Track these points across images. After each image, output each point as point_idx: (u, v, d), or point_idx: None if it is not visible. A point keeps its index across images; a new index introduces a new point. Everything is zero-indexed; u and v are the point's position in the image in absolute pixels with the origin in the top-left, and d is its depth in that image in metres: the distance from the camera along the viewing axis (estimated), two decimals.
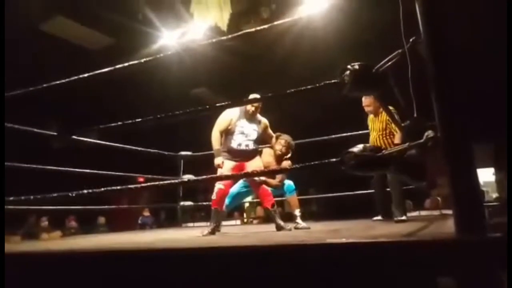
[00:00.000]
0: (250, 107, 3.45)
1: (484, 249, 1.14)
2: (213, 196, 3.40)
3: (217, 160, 3.38)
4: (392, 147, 3.47)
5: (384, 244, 1.30)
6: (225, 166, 3.39)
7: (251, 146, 3.48)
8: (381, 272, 1.22)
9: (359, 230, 2.62)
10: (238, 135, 3.44)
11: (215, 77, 7.79)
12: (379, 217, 3.77)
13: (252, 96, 3.36)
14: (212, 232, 3.28)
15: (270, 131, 3.73)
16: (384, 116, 3.67)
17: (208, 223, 3.45)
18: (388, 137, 3.71)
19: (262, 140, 3.71)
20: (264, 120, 3.62)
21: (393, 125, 3.57)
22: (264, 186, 3.51)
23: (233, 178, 3.67)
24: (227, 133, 3.45)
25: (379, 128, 3.76)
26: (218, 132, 3.44)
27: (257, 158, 3.59)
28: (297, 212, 3.61)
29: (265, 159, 3.74)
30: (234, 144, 3.43)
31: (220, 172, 3.37)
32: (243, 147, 3.44)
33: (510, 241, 1.09)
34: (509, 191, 2.13)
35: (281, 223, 3.35)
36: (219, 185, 3.38)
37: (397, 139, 3.57)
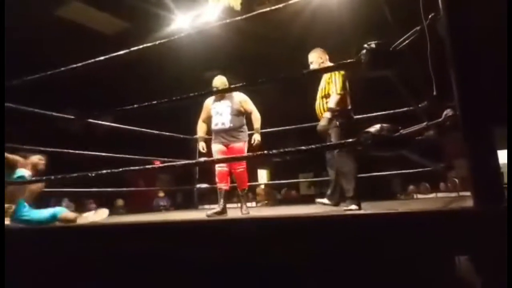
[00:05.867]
0: (215, 88, 3.66)
1: (502, 220, 1.12)
2: (216, 179, 3.67)
3: (198, 146, 3.80)
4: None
5: (402, 215, 1.30)
6: (213, 149, 3.68)
7: (228, 123, 3.62)
8: (397, 244, 1.22)
9: (375, 210, 2.61)
10: (215, 116, 3.68)
11: (229, 60, 7.75)
12: (325, 200, 3.26)
13: (218, 78, 3.69)
14: (222, 211, 3.51)
15: (249, 106, 3.73)
16: (328, 74, 3.17)
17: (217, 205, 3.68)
18: (325, 100, 3.20)
19: (246, 116, 3.77)
20: (239, 95, 3.70)
21: (331, 86, 3.14)
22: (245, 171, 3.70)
23: (246, 159, 3.74)
24: (210, 118, 3.76)
25: (320, 88, 3.27)
26: (199, 122, 3.85)
27: (241, 141, 3.65)
28: None
29: None
30: (213, 125, 3.70)
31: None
32: (219, 126, 3.64)
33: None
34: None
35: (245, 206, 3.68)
36: (218, 168, 3.65)
37: (330, 102, 3.12)
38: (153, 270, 1.60)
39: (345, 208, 3.00)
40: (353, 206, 2.96)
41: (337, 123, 3.09)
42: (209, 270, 1.49)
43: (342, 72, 3.13)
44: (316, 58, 3.30)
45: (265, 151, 1.69)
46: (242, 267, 1.44)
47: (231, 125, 3.61)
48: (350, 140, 1.54)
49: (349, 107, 3.22)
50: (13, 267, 1.75)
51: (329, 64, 3.30)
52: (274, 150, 1.71)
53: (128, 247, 1.66)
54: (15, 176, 3.24)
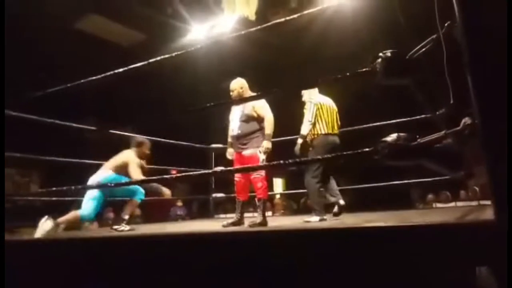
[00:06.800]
0: (231, 94, 3.59)
1: None
2: (235, 189, 3.60)
3: (227, 154, 3.71)
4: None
5: (421, 228, 1.28)
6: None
7: (236, 130, 3.47)
8: (419, 257, 1.20)
9: (393, 220, 2.58)
10: (230, 122, 3.61)
11: (245, 70, 7.80)
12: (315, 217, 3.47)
13: (235, 80, 3.62)
14: (238, 222, 3.43)
15: (262, 111, 3.46)
16: (306, 103, 3.70)
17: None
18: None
19: (258, 122, 3.51)
20: (252, 102, 3.42)
21: (305, 113, 3.62)
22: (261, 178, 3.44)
23: (264, 169, 3.66)
24: None
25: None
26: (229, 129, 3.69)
27: (250, 148, 3.43)
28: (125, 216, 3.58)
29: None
30: (229, 131, 3.63)
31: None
32: (231, 132, 3.57)
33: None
34: None
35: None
36: (235, 178, 3.58)
37: (301, 129, 3.61)
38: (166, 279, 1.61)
39: (307, 219, 3.43)
40: (314, 218, 3.39)
41: (310, 147, 3.57)
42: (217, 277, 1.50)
43: (318, 105, 3.61)
44: (307, 95, 3.75)
45: (281, 161, 1.69)
46: (247, 275, 1.44)
47: (239, 131, 3.43)
48: (367, 149, 1.53)
49: (322, 132, 3.59)
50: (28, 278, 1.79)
51: (315, 97, 3.69)
52: (289, 159, 1.71)
53: (141, 257, 1.68)
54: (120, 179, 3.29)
